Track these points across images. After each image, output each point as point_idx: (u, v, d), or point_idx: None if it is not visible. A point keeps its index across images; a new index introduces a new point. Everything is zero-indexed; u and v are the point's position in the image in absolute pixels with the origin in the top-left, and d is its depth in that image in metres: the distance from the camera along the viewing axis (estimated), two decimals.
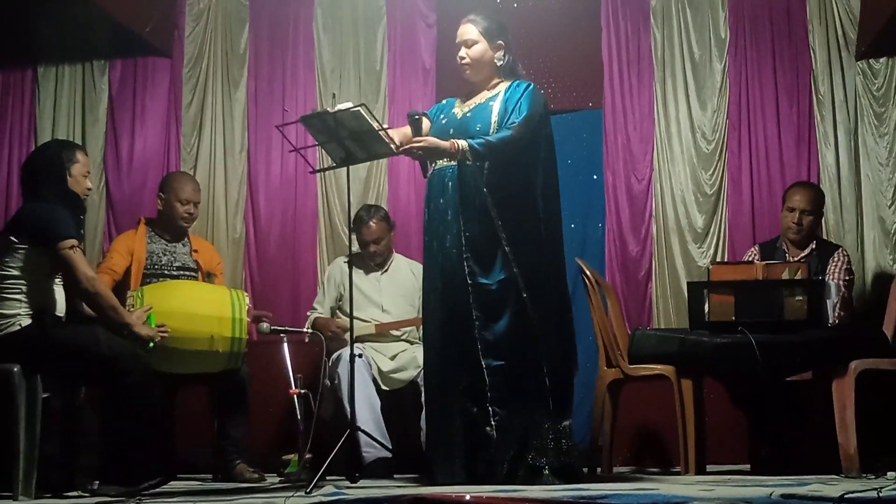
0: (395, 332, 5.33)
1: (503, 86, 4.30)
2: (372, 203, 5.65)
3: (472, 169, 4.14)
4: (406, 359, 5.21)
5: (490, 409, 4.07)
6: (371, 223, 5.35)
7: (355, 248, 5.15)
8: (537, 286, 4.12)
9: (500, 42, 4.31)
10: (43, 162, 4.26)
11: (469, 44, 4.30)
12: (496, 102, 4.25)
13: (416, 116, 4.26)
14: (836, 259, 5.11)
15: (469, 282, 4.12)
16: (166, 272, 5.11)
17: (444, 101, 4.53)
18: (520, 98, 4.20)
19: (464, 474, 4.05)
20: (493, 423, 4.06)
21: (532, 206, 4.18)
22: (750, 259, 5.22)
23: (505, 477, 4.01)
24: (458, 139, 4.15)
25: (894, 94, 5.67)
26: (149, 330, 4.17)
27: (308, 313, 5.44)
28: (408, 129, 4.31)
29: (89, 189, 4.34)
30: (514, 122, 4.15)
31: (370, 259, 5.41)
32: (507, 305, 4.10)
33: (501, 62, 4.31)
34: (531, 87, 4.25)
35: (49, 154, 4.29)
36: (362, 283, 5.36)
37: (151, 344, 4.16)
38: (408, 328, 5.35)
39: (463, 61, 4.32)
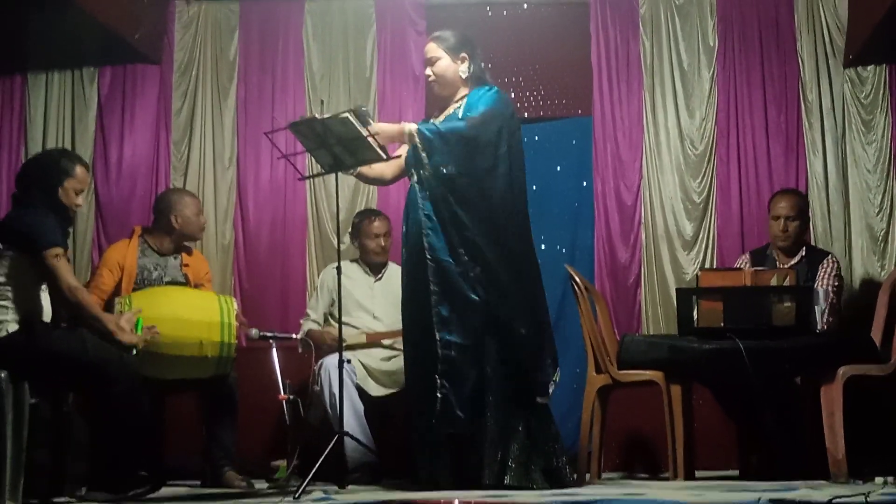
0: (384, 342, 5.31)
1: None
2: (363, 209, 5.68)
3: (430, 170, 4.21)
4: (399, 364, 5.18)
5: (438, 380, 4.11)
6: (375, 219, 5.41)
7: (345, 254, 5.14)
8: (503, 285, 4.19)
9: (464, 55, 4.40)
10: (37, 169, 4.23)
11: (433, 61, 4.41)
12: (461, 109, 4.34)
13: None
14: (825, 266, 5.13)
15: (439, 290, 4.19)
16: (156, 286, 5.06)
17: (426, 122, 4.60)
18: (480, 99, 4.29)
19: (450, 478, 4.06)
20: (439, 394, 4.10)
21: (493, 206, 4.22)
22: (740, 266, 5.24)
23: (492, 482, 4.02)
24: (409, 124, 4.27)
25: (882, 101, 5.71)
26: (131, 337, 4.11)
27: (301, 321, 5.43)
28: (401, 161, 4.42)
29: (78, 205, 4.26)
30: (469, 116, 4.23)
31: (375, 257, 5.40)
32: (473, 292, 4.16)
33: (466, 73, 4.40)
34: (494, 89, 4.35)
35: (45, 162, 4.26)
36: (356, 289, 5.35)
37: (135, 351, 4.13)
38: (397, 339, 5.31)
39: (429, 79, 4.44)
